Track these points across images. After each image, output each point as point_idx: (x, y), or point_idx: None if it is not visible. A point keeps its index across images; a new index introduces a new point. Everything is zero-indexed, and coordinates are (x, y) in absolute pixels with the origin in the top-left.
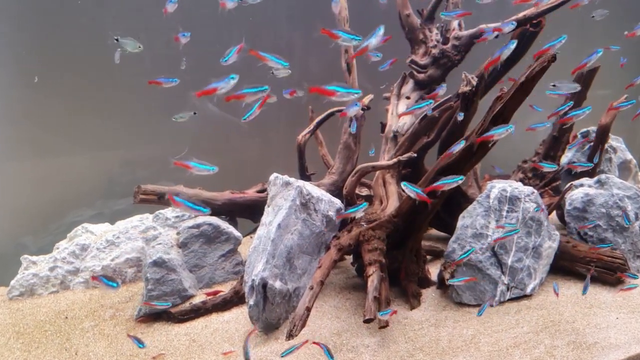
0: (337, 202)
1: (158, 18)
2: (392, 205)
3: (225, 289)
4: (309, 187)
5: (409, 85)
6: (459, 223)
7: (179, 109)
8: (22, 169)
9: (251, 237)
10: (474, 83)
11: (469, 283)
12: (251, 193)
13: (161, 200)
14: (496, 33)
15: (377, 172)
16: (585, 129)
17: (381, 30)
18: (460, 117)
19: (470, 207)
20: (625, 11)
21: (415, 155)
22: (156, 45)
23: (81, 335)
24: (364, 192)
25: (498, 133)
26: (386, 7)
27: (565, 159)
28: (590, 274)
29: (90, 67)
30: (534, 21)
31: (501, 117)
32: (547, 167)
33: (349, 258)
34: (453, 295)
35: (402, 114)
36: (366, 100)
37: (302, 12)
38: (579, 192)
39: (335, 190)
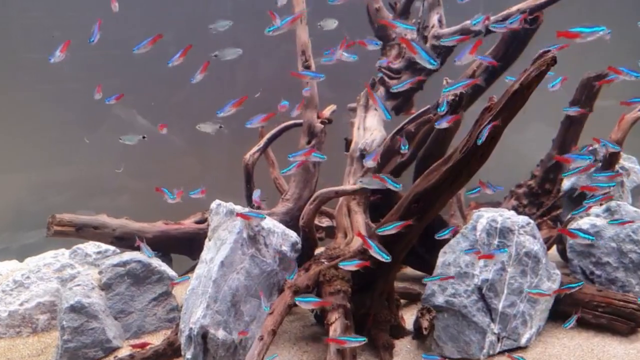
0: (293, 235)
1: (77, 18)
2: (359, 238)
3: (158, 339)
4: None
5: (379, 94)
6: (440, 260)
7: (98, 122)
8: None
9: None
10: (458, 92)
11: (451, 332)
12: (188, 224)
13: (80, 232)
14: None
15: (341, 199)
16: (592, 147)
17: None
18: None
19: (452, 241)
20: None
21: None
22: (76, 48)
23: None
24: (325, 222)
25: None
26: None
27: (567, 182)
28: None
29: None
30: (530, 17)
31: (490, 132)
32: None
33: None
34: (432, 347)
35: None
36: (327, 111)
37: (250, 7)
38: (584, 223)
39: (290, 220)
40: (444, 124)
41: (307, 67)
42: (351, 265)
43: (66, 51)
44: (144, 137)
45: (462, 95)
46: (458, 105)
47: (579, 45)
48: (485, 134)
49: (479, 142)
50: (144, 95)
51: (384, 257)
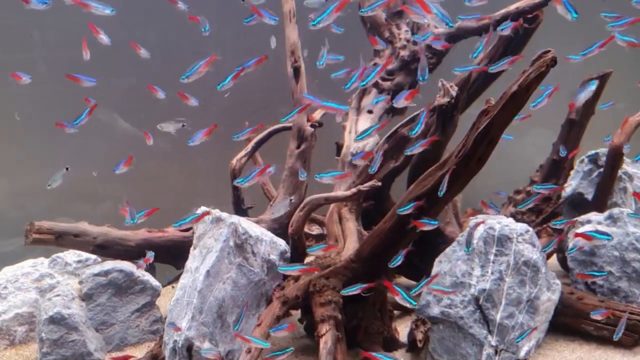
0: (281, 243)
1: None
2: (351, 246)
3: (141, 352)
4: (245, 224)
5: (372, 97)
6: (435, 269)
7: (79, 126)
8: None
9: (173, 287)
10: (454, 94)
11: (447, 345)
12: (173, 231)
13: (59, 240)
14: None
15: (332, 206)
16: (593, 151)
17: None
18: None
19: (448, 250)
20: None
21: (380, 184)
22: (53, 47)
23: None
24: (315, 230)
25: None
26: None
27: (568, 188)
28: None
29: None
30: (529, 15)
31: (487, 136)
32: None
33: (297, 313)
34: None
35: None
36: (317, 114)
37: (234, 5)
38: (585, 231)
39: (279, 228)
40: (417, 149)
41: (297, 68)
42: (294, 271)
43: None
44: (67, 169)
45: (458, 97)
46: (454, 108)
47: (578, 45)
48: (445, 186)
49: (440, 194)
50: (126, 98)
51: (412, 303)
